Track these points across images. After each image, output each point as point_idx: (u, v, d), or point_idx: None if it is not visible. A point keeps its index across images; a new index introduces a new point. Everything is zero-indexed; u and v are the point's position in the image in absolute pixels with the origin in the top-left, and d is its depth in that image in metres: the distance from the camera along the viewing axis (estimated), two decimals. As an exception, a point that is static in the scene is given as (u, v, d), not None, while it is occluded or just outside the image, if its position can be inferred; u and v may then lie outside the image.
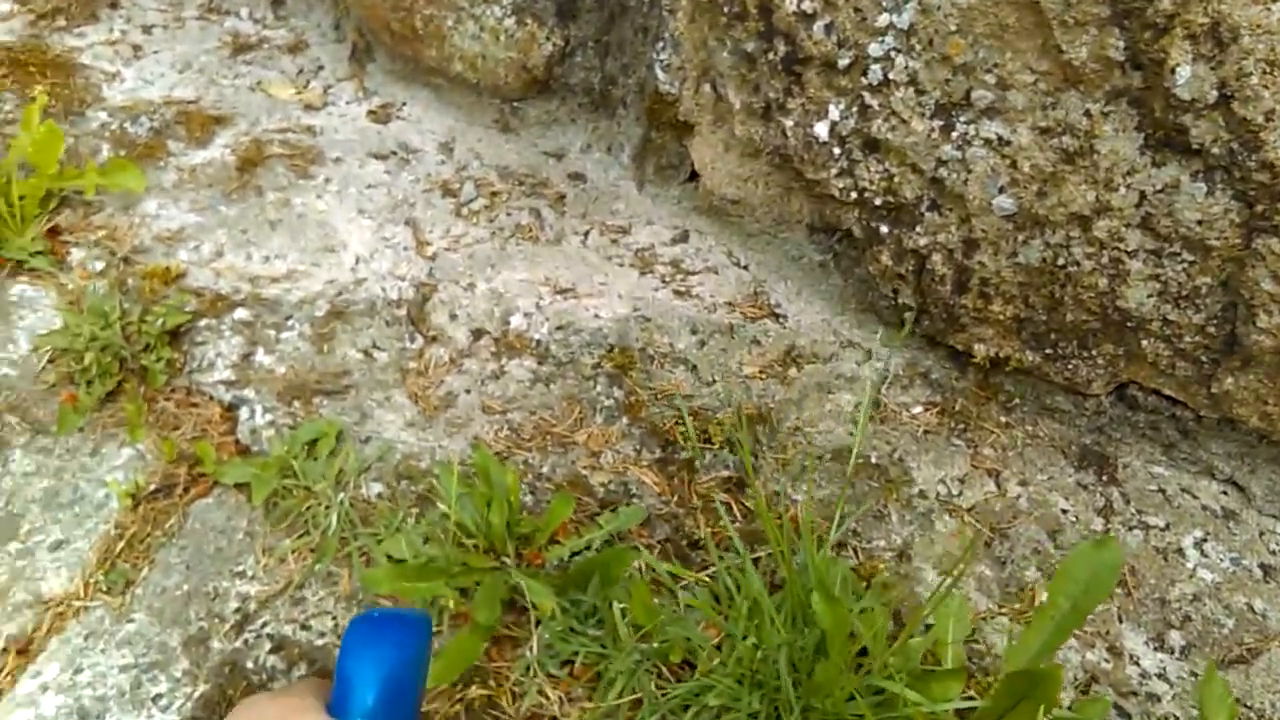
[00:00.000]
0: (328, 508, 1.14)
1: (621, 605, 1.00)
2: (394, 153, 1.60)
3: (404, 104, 1.69)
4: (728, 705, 0.93)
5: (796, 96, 1.23)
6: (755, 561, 1.08)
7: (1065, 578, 0.89)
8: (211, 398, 1.27)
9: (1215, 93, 0.97)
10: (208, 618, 1.05)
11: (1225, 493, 1.25)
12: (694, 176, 1.52)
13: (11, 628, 1.04)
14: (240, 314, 1.35)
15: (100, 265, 1.42)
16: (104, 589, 1.09)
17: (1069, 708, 0.99)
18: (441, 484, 1.14)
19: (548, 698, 0.98)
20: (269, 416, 1.24)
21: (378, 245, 1.47)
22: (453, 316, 1.39)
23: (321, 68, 1.76)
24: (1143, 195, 1.07)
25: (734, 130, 1.37)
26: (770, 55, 1.22)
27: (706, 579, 1.06)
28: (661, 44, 1.41)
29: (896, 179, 1.21)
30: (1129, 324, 1.16)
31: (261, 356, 1.30)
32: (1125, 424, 1.29)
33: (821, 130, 1.22)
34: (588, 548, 1.10)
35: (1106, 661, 1.07)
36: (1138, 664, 1.08)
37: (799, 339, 1.39)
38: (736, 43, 1.25)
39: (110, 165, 1.47)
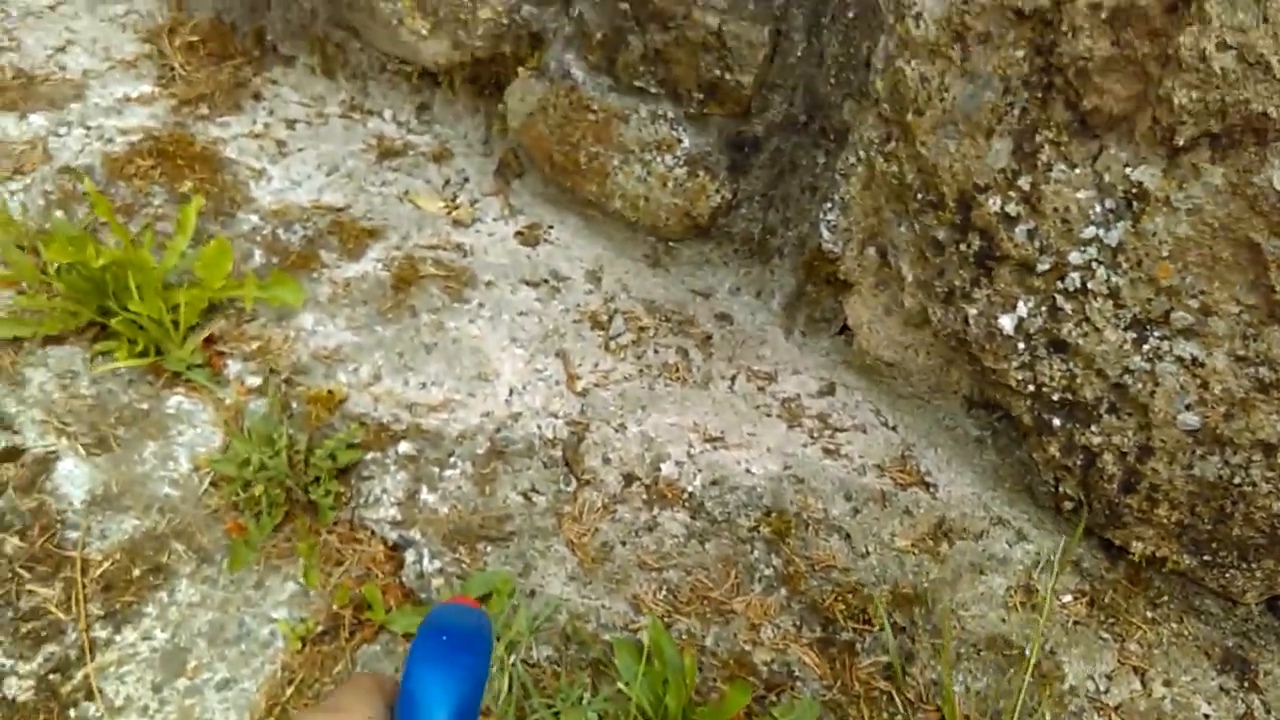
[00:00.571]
0: (499, 670, 1.14)
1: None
2: (545, 280, 1.61)
3: (551, 227, 1.71)
4: None
5: (984, 288, 1.24)
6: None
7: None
8: (375, 533, 1.28)
9: None
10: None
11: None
12: (844, 329, 1.54)
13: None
14: (404, 447, 1.35)
15: (257, 380, 1.43)
16: (280, 741, 1.09)
17: None
18: (616, 657, 1.14)
19: None
20: (436, 563, 1.24)
21: (530, 377, 1.48)
22: (605, 460, 1.40)
23: (467, 180, 1.78)
24: (1343, 435, 1.08)
25: (900, 299, 1.38)
26: (962, 247, 1.24)
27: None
28: (830, 204, 1.43)
29: (1079, 379, 1.22)
30: (1307, 549, 1.17)
31: (426, 495, 1.31)
32: (1270, 632, 1.29)
33: (1007, 323, 1.24)
34: (764, 740, 1.11)
35: None
36: None
37: (950, 511, 1.39)
38: (926, 228, 1.27)
39: (271, 278, 1.48)
